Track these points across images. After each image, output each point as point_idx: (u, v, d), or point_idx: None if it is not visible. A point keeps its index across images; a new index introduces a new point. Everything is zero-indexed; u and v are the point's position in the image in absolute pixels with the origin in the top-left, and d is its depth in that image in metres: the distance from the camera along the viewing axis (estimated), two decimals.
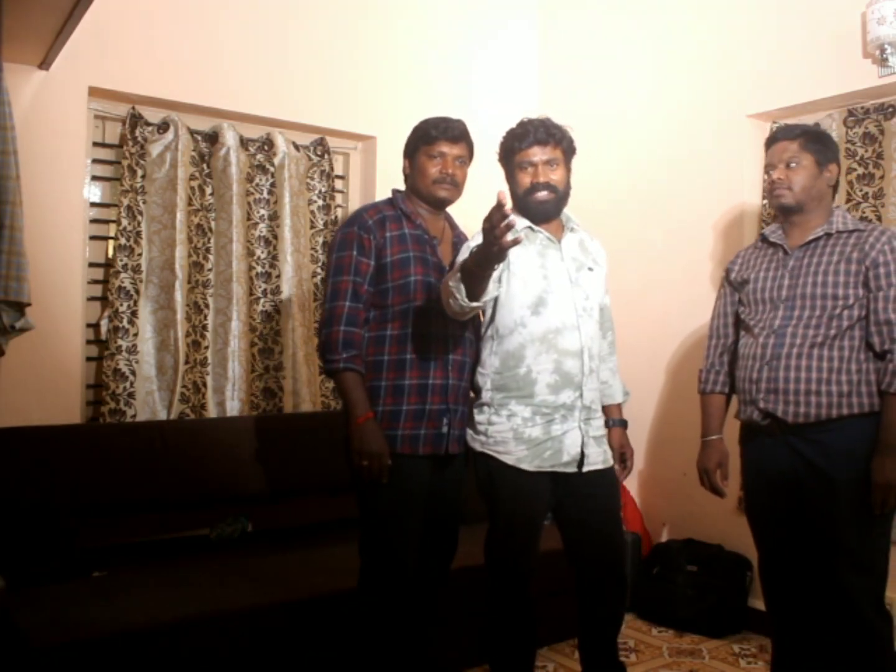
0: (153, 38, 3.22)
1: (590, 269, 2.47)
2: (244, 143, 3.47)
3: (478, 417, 2.42)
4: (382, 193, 3.38)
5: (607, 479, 2.45)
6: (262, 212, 3.51)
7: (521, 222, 2.41)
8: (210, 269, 3.38)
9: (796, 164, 2.41)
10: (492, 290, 2.19)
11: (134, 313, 3.21)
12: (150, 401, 3.26)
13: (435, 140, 2.42)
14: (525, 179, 2.39)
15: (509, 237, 1.92)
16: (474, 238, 2.29)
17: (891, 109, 3.09)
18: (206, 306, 3.37)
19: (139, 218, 3.23)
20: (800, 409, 2.35)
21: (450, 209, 2.57)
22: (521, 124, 2.41)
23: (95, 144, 3.26)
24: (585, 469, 2.37)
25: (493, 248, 1.95)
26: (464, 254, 2.34)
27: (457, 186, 2.46)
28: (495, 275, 2.17)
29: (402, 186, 2.54)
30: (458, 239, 2.57)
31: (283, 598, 2.60)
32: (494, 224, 1.91)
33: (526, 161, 2.38)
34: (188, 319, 3.33)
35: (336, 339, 2.31)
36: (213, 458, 3.11)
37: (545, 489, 2.38)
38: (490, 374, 2.41)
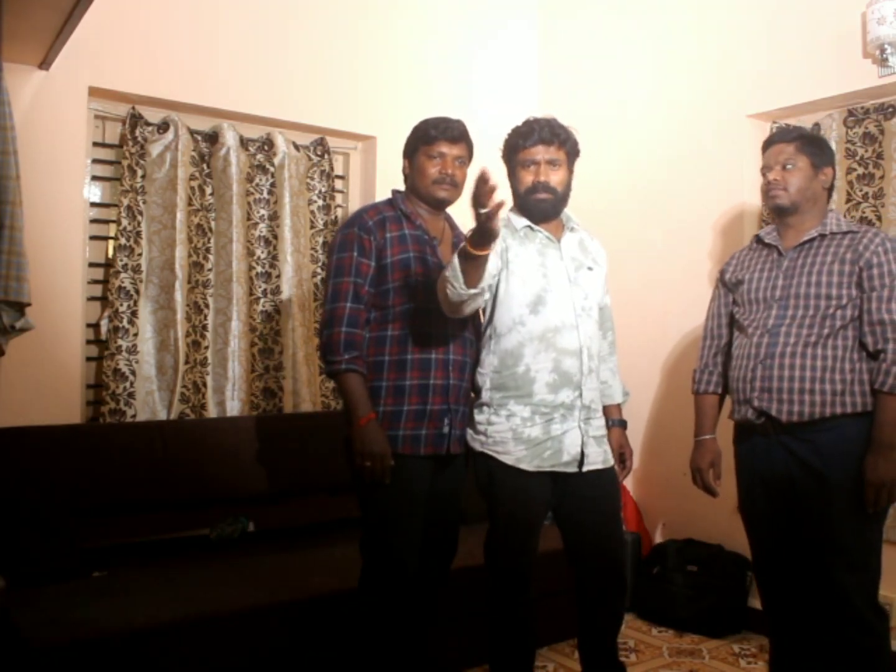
0: (153, 38, 3.22)
1: (589, 268, 2.47)
2: (244, 143, 3.47)
3: (477, 417, 2.42)
4: (382, 194, 3.38)
5: (607, 479, 2.45)
6: (262, 212, 3.51)
7: (520, 221, 2.42)
8: (210, 269, 3.38)
9: (792, 166, 2.43)
10: (491, 269, 2.19)
11: (134, 313, 3.21)
12: (150, 401, 3.26)
13: (434, 140, 2.42)
14: (527, 177, 2.39)
15: (495, 200, 1.93)
16: None
17: (891, 109, 3.09)
18: (206, 306, 3.37)
19: (139, 218, 3.23)
20: (793, 408, 2.35)
21: (450, 209, 2.56)
22: (527, 122, 2.41)
23: (95, 144, 3.26)
24: (585, 469, 2.37)
25: (487, 224, 1.96)
26: None
27: (456, 187, 2.46)
28: (490, 266, 2.17)
29: (402, 187, 2.54)
30: (458, 239, 2.56)
31: (283, 598, 2.60)
32: (482, 199, 1.91)
33: (529, 159, 2.38)
34: (188, 319, 3.34)
35: (338, 341, 2.31)
36: (213, 458, 3.12)
37: (545, 489, 2.38)
38: (489, 373, 2.41)
